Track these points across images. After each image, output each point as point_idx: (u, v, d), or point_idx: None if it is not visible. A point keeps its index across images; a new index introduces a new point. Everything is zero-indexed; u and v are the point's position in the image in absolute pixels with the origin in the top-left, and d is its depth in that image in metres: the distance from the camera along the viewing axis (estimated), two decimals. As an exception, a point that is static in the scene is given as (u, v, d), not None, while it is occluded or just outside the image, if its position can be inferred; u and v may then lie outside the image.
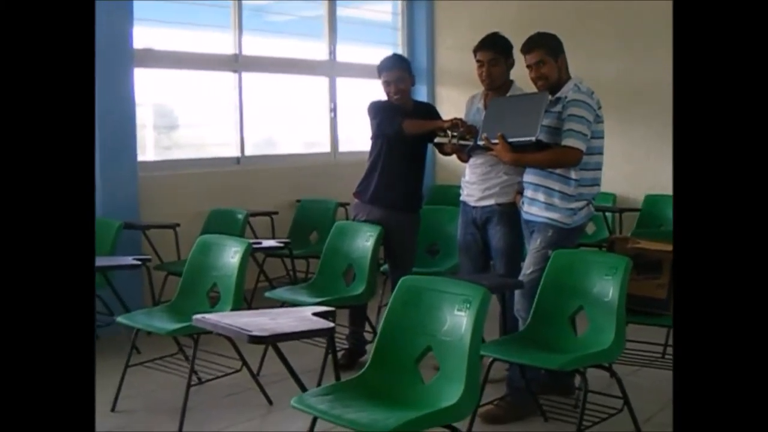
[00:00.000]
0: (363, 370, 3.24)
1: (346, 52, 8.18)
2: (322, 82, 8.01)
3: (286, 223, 7.17)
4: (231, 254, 4.52)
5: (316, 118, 8.11)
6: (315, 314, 3.21)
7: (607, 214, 6.83)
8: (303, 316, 3.20)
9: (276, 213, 7.07)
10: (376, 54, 6.78)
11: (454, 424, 2.97)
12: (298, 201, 7.32)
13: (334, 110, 8.04)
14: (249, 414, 4.38)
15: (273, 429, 4.18)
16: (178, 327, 4.10)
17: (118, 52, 6.02)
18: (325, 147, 8.12)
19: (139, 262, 4.96)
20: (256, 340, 2.92)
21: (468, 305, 3.04)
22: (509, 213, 4.58)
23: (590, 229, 6.99)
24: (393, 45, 8.72)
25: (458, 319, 3.05)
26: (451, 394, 2.93)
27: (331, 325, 3.09)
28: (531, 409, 4.16)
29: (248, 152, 7.34)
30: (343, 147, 8.16)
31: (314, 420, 3.08)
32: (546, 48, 4.19)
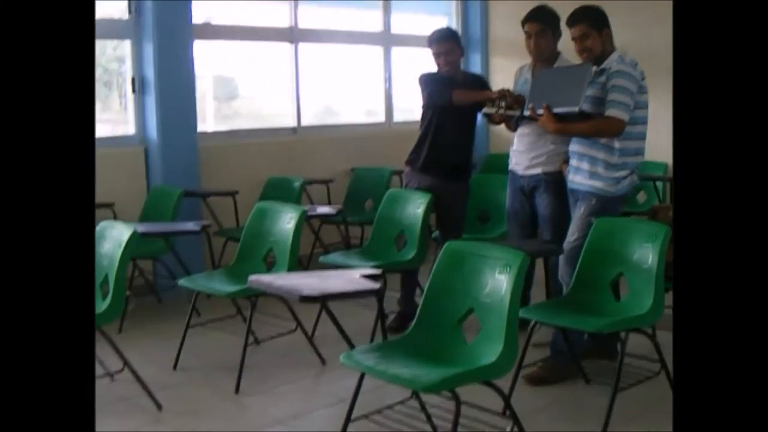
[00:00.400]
0: (409, 329, 3.42)
1: (401, 23, 8.28)
2: (377, 52, 8.13)
3: (341, 190, 7.36)
4: (286, 220, 4.72)
5: (371, 88, 8.24)
6: (364, 276, 3.38)
7: (657, 183, 6.87)
8: (352, 278, 3.38)
9: (331, 181, 7.26)
10: (431, 24, 6.92)
11: (494, 382, 3.13)
12: (353, 169, 7.49)
13: (388, 80, 8.17)
14: (302, 372, 4.60)
15: (325, 387, 4.39)
16: (236, 289, 4.32)
17: (178, 26, 6.23)
18: (380, 116, 8.27)
19: (198, 228, 5.19)
20: (306, 299, 3.12)
21: (508, 269, 3.19)
22: (556, 181, 4.70)
23: (641, 197, 7.05)
24: (447, 15, 8.79)
25: (499, 283, 3.20)
26: (491, 353, 3.09)
27: (378, 285, 3.26)
28: (573, 372, 4.30)
29: (305, 122, 7.52)
30: (398, 116, 8.28)
31: (362, 376, 3.27)
32: (589, 21, 4.28)
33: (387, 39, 8.16)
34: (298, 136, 7.46)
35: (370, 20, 8.16)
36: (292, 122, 7.45)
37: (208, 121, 7.14)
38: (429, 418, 3.55)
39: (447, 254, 3.44)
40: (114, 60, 6.60)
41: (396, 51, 8.24)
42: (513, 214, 5.00)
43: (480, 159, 8.15)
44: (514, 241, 4.89)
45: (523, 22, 4.72)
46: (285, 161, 7.09)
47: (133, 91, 6.25)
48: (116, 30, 6.25)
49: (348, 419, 3.33)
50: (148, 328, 5.45)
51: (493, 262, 3.26)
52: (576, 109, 4.18)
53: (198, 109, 6.54)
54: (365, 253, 5.23)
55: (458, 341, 3.31)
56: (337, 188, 7.35)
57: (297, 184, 6.54)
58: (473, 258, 3.36)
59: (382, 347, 3.33)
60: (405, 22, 8.35)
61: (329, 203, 7.20)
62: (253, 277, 3.50)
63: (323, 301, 3.23)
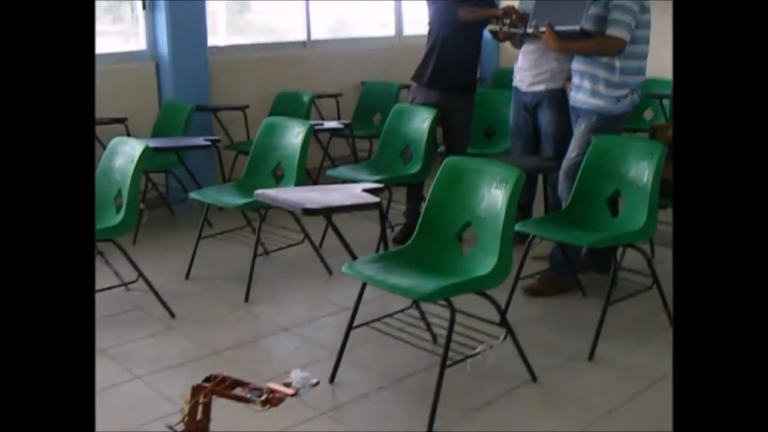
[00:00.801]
0: (409, 241, 3.57)
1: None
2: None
3: (351, 104, 7.44)
4: (294, 135, 4.84)
5: (381, 1, 8.24)
6: (365, 190, 3.52)
7: (664, 100, 6.91)
8: (353, 192, 3.51)
9: (340, 95, 7.35)
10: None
11: (490, 293, 3.29)
12: (363, 83, 7.55)
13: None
14: (309, 282, 4.77)
15: (331, 296, 4.56)
16: (245, 202, 4.46)
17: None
18: (390, 30, 8.28)
19: (208, 143, 5.31)
20: (309, 212, 3.25)
21: (504, 184, 3.31)
22: (558, 98, 4.78)
23: (648, 115, 7.10)
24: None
25: (495, 198, 3.33)
26: (486, 264, 3.23)
27: (377, 200, 3.39)
28: (570, 285, 4.45)
29: (315, 36, 7.55)
30: (408, 30, 8.30)
31: (363, 285, 3.43)
32: None
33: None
34: (308, 50, 7.51)
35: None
36: (302, 36, 7.48)
37: (219, 33, 7.17)
38: (428, 326, 3.72)
39: (446, 169, 3.56)
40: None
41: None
42: (516, 129, 5.10)
43: (489, 74, 8.20)
44: (516, 157, 5.01)
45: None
46: (295, 75, 7.16)
47: (144, 7, 6.30)
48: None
49: (350, 326, 3.50)
50: (161, 239, 5.63)
51: (490, 178, 3.38)
52: (577, 27, 4.24)
53: (209, 22, 6.59)
54: (372, 166, 5.35)
55: (456, 253, 3.45)
56: (346, 102, 7.44)
57: (306, 98, 6.63)
58: (471, 173, 3.48)
59: (383, 258, 3.47)
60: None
61: (339, 117, 7.31)
62: (258, 191, 3.63)
63: (325, 213, 3.36)
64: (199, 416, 2.38)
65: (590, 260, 4.62)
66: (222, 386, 2.36)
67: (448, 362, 3.14)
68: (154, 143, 4.98)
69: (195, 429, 2.38)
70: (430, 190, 3.58)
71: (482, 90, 6.02)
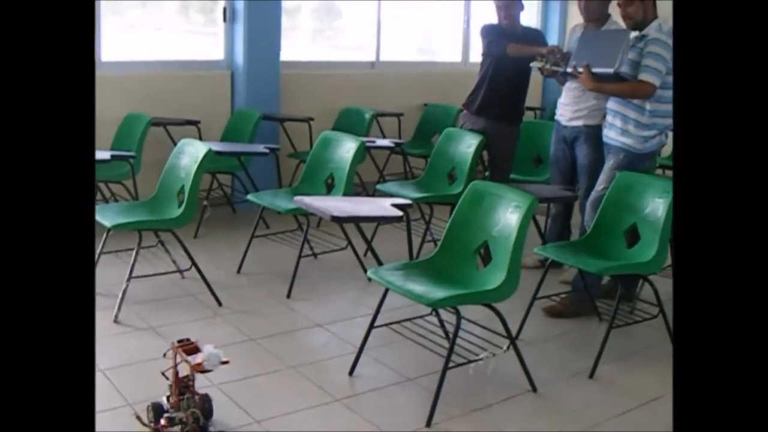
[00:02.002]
0: (432, 254, 3.94)
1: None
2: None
3: (413, 124, 7.84)
4: (346, 149, 5.26)
5: (450, 30, 8.63)
6: (394, 205, 3.90)
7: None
8: (382, 205, 3.90)
9: (402, 114, 7.75)
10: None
11: (504, 308, 3.64)
12: (426, 105, 7.94)
13: (467, 22, 8.55)
14: (350, 285, 5.17)
15: (366, 299, 4.94)
16: (292, 207, 4.87)
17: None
18: (457, 57, 8.66)
19: (267, 150, 5.76)
20: (336, 219, 3.66)
21: (518, 209, 3.66)
22: (595, 134, 5.09)
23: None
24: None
25: (509, 220, 3.68)
26: (495, 280, 3.58)
27: (400, 213, 3.78)
28: (588, 309, 4.75)
29: (383, 58, 7.98)
30: (474, 58, 8.66)
31: (386, 291, 3.80)
32: None
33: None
34: (376, 71, 7.94)
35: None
36: (371, 57, 7.92)
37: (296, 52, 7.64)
38: (446, 333, 4.08)
39: (470, 192, 3.93)
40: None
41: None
42: (555, 160, 5.42)
43: (550, 105, 8.51)
44: (555, 186, 5.35)
45: (576, -16, 5.08)
46: (361, 93, 7.60)
47: (224, 20, 6.82)
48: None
49: (371, 325, 3.89)
50: (220, 235, 6.11)
51: (507, 202, 3.74)
52: (611, 70, 4.55)
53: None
54: (419, 184, 5.73)
55: (471, 268, 3.81)
56: (408, 121, 7.83)
57: (368, 115, 7.06)
58: (491, 197, 3.84)
59: (407, 267, 3.85)
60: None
61: (399, 135, 7.70)
62: (297, 198, 4.06)
63: (350, 222, 3.76)
64: (184, 373, 3.07)
65: (612, 288, 4.90)
66: (185, 347, 3.11)
67: (452, 365, 3.51)
68: (217, 147, 5.44)
69: (179, 381, 3.14)
70: (455, 209, 3.95)
71: (535, 120, 6.34)
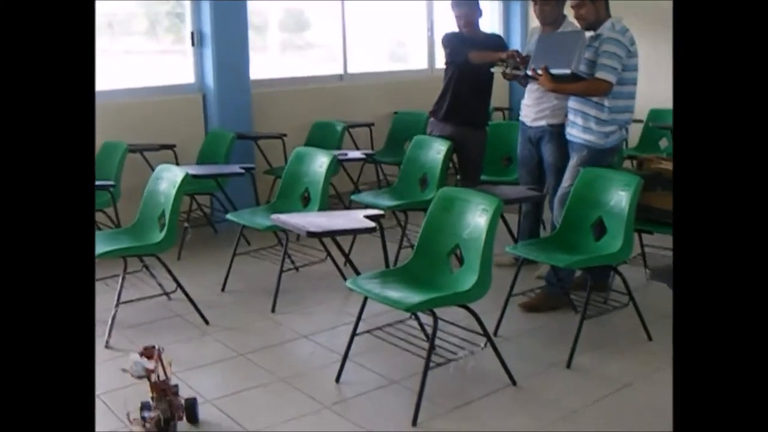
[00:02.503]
0: (407, 260, 4.10)
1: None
2: (421, 6, 8.73)
3: (384, 132, 8.01)
4: (319, 164, 5.42)
5: (414, 38, 8.82)
6: (366, 216, 4.06)
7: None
8: (355, 218, 4.07)
9: (373, 124, 7.92)
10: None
11: (480, 306, 3.81)
12: (395, 113, 8.12)
13: (431, 29, 8.74)
14: (332, 295, 5.32)
15: (349, 308, 5.08)
16: (270, 224, 5.00)
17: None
18: (423, 64, 8.84)
19: (242, 171, 5.91)
20: (312, 234, 3.82)
21: (486, 212, 3.83)
22: (558, 133, 5.27)
23: (663, 144, 7.53)
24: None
25: (478, 223, 3.85)
26: (468, 281, 3.75)
27: (373, 225, 3.94)
28: (563, 302, 4.93)
29: (350, 70, 8.15)
30: (439, 64, 8.84)
31: (365, 299, 3.96)
32: None
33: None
34: (344, 83, 8.11)
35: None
36: (338, 70, 8.09)
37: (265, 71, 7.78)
38: (426, 336, 4.23)
39: (439, 198, 4.10)
40: (175, 16, 7.29)
41: (438, 4, 8.79)
42: (522, 160, 5.61)
43: (516, 106, 8.70)
44: (523, 185, 5.53)
45: (530, -12, 5.26)
46: (331, 106, 7.77)
47: (192, 44, 6.97)
48: (177, -11, 6.96)
49: (354, 333, 4.05)
50: (203, 255, 6.25)
51: (474, 206, 3.91)
52: (568, 71, 4.73)
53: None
54: (393, 192, 5.90)
55: (445, 271, 3.98)
56: (379, 130, 7.99)
57: (339, 127, 7.23)
58: (460, 202, 4.01)
59: (383, 275, 4.01)
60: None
61: (372, 145, 7.87)
62: (273, 216, 4.22)
63: (325, 236, 3.92)
64: (163, 377, 3.44)
65: (584, 280, 5.08)
66: (149, 352, 3.47)
67: (433, 365, 3.68)
68: (194, 170, 5.59)
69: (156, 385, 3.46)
70: (426, 216, 4.12)
71: (504, 122, 6.51)
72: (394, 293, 3.72)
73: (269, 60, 7.96)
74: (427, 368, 3.63)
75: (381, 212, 4.23)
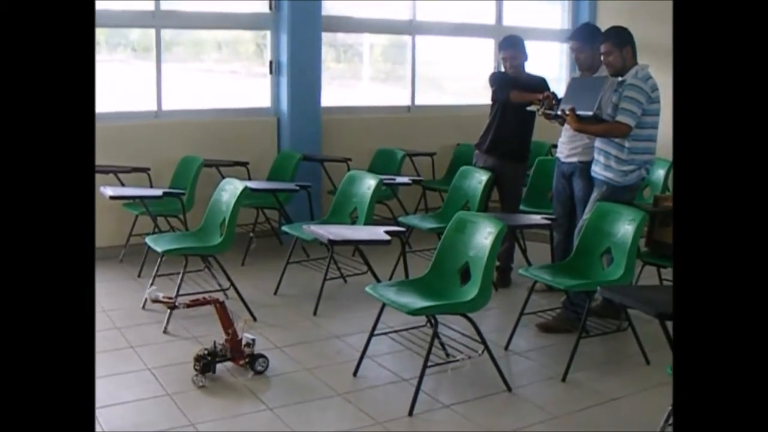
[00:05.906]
0: (424, 273, 4.63)
1: (514, 13, 9.36)
2: (489, 43, 9.25)
3: (446, 162, 8.55)
4: (367, 186, 6.01)
5: (478, 74, 9.35)
6: (387, 231, 4.63)
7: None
8: (376, 232, 4.64)
9: (434, 153, 8.46)
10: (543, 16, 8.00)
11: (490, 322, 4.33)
12: (458, 144, 8.65)
13: (498, 68, 9.22)
14: (371, 304, 5.71)
15: (384, 316, 5.55)
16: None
17: (309, 19, 7.65)
18: (486, 99, 9.33)
19: (297, 188, 6.58)
20: (333, 242, 4.41)
21: (491, 234, 4.33)
22: (588, 169, 5.70)
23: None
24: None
25: (484, 244, 4.36)
26: (470, 294, 4.26)
27: (388, 238, 4.50)
28: (577, 326, 5.33)
29: (417, 102, 8.76)
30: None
31: (383, 305, 4.50)
32: (612, 40, 5.25)
33: (498, 31, 9.15)
34: (411, 114, 8.71)
35: (484, 14, 9.27)
36: (406, 101, 8.69)
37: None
38: (441, 342, 4.74)
39: (455, 221, 4.63)
40: (255, 46, 8.04)
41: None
42: (556, 194, 6.06)
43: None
44: (558, 217, 5.98)
45: (567, 40, 5.75)
46: (397, 135, 8.34)
47: (270, 72, 7.68)
48: (259, 22, 7.71)
49: (371, 333, 4.61)
50: (264, 263, 6.89)
51: (482, 229, 4.42)
52: (591, 113, 5.19)
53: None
54: (438, 216, 6.44)
55: (455, 284, 4.49)
56: (441, 160, 8.54)
57: (399, 155, 7.81)
58: (471, 225, 4.53)
59: (402, 284, 4.57)
60: (518, 12, 9.38)
61: (433, 174, 8.43)
62: (305, 226, 4.81)
63: (343, 245, 4.52)
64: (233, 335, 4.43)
65: (601, 308, 5.49)
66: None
67: (431, 363, 4.20)
68: (254, 185, 6.28)
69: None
70: (443, 236, 4.65)
71: (551, 158, 6.97)
72: (403, 299, 4.25)
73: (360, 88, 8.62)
74: (425, 366, 4.16)
75: (402, 229, 4.78)
